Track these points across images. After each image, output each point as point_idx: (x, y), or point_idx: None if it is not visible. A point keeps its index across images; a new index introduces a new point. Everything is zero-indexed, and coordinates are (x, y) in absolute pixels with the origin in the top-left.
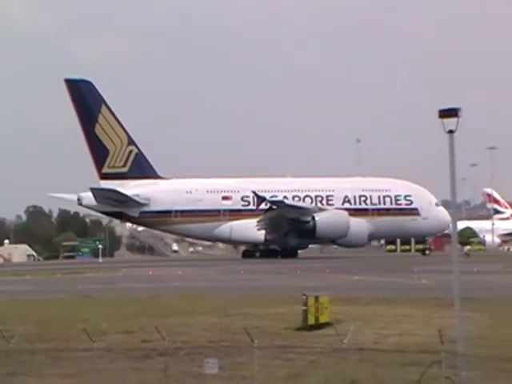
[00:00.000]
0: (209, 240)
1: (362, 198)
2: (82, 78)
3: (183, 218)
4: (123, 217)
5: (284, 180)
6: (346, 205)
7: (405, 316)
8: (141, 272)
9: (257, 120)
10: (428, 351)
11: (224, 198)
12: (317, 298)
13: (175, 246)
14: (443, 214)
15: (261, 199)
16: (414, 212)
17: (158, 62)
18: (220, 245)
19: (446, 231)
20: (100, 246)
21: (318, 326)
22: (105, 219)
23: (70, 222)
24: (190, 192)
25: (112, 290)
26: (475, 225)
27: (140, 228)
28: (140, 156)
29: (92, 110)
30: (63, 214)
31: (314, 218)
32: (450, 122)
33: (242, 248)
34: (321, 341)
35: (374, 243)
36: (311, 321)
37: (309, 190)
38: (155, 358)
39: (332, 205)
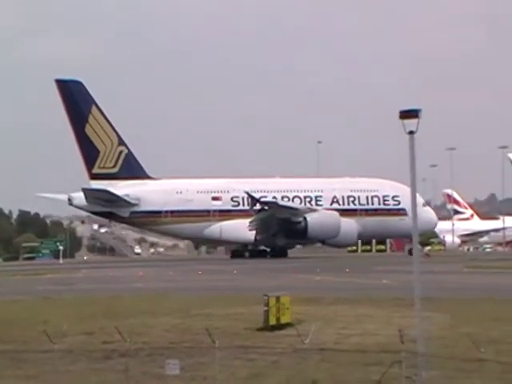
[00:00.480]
0: (198, 240)
1: (351, 199)
2: (72, 78)
3: (173, 219)
4: (113, 217)
5: (273, 180)
6: (335, 205)
7: (366, 316)
8: (101, 273)
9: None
10: (389, 351)
11: (214, 198)
12: (278, 299)
13: (138, 249)
14: (430, 214)
15: (254, 200)
16: (401, 212)
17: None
18: (181, 245)
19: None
20: (61, 248)
21: (280, 326)
22: (65, 220)
23: (30, 222)
24: (181, 192)
25: (72, 292)
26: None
27: (103, 229)
28: (130, 156)
29: (82, 110)
30: (23, 214)
31: (305, 218)
32: (411, 123)
33: (231, 248)
34: (282, 341)
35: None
36: (272, 321)
37: (298, 191)
38: (116, 359)
39: (321, 205)
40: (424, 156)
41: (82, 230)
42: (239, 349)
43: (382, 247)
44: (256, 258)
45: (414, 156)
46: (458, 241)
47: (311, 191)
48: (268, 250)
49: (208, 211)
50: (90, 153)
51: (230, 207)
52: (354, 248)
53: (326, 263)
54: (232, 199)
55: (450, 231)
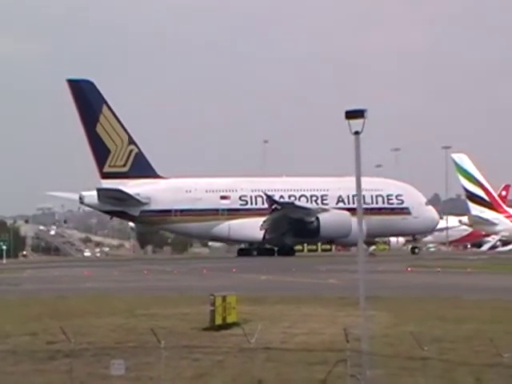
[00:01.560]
0: (207, 239)
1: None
2: (83, 78)
3: (183, 217)
4: (124, 216)
5: (280, 179)
6: (340, 204)
7: (312, 315)
8: (46, 273)
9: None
10: (334, 350)
11: (222, 197)
12: (224, 298)
13: (87, 252)
14: (432, 213)
15: (272, 200)
16: (405, 211)
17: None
18: (127, 245)
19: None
20: (4, 247)
21: (226, 325)
22: (9, 219)
23: None
24: (190, 191)
25: (16, 292)
26: None
27: (53, 232)
28: (140, 155)
29: (94, 109)
30: None
31: (317, 218)
32: (356, 123)
33: (238, 246)
34: (228, 341)
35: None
36: (218, 321)
37: (304, 190)
38: (60, 359)
39: (327, 204)
40: (369, 156)
41: (25, 230)
42: (185, 349)
43: (328, 247)
44: (264, 256)
45: (359, 156)
46: (402, 240)
47: (317, 190)
48: (275, 248)
49: (217, 210)
50: (100, 152)
51: (238, 206)
52: (301, 247)
53: (273, 263)
54: (240, 198)
55: None
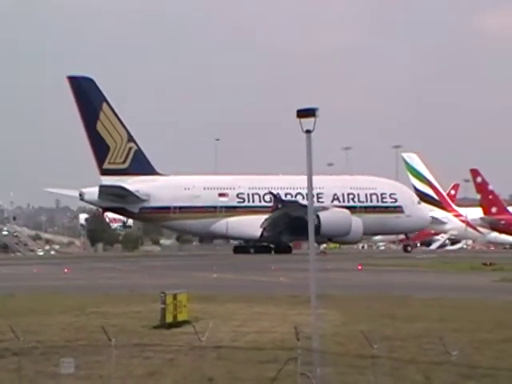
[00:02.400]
0: (205, 236)
1: (350, 196)
2: (83, 75)
3: (182, 214)
4: (123, 212)
5: (277, 178)
6: (335, 202)
7: (262, 313)
8: None
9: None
10: (284, 348)
11: (220, 194)
12: (175, 296)
13: (40, 252)
14: (425, 211)
15: (278, 199)
16: (398, 209)
17: None
18: (77, 243)
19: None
20: None
21: (177, 324)
22: None
23: None
24: (188, 189)
25: None
26: None
27: (5, 232)
28: (139, 153)
29: (94, 106)
30: None
31: (318, 216)
32: (308, 122)
33: (235, 243)
34: (179, 339)
35: (234, 242)
36: (169, 319)
37: (300, 188)
38: (9, 357)
39: (322, 202)
40: (320, 154)
41: None
42: (136, 347)
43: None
44: (261, 254)
45: (310, 154)
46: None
47: (313, 188)
48: (272, 246)
49: (215, 207)
50: (100, 149)
51: (235, 203)
52: None
53: (224, 261)
54: (238, 196)
55: None
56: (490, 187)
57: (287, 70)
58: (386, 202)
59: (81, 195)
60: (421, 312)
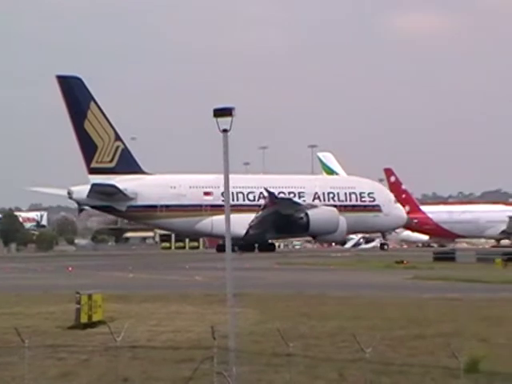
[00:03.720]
0: (191, 235)
1: (331, 195)
2: (72, 74)
3: (168, 213)
4: (111, 211)
5: (259, 177)
6: (316, 201)
7: (178, 313)
8: None
9: None
10: (201, 347)
11: (206, 193)
12: (90, 296)
13: None
14: (401, 211)
15: (272, 195)
16: (376, 208)
17: None
18: None
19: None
20: None
21: (91, 324)
22: None
23: None
24: (174, 187)
25: None
26: None
27: None
28: (126, 152)
29: (81, 106)
30: None
31: (307, 214)
32: (224, 121)
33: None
34: (94, 339)
35: (150, 241)
36: (84, 319)
37: (282, 187)
38: None
39: (304, 201)
40: (237, 154)
41: None
42: (49, 348)
43: (195, 244)
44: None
45: (227, 153)
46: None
47: (294, 187)
48: (255, 245)
49: (200, 206)
50: (88, 148)
51: (220, 202)
52: (168, 245)
53: (140, 260)
54: (222, 194)
55: None
56: (404, 186)
57: (205, 69)
58: (364, 201)
59: (69, 193)
60: (335, 310)
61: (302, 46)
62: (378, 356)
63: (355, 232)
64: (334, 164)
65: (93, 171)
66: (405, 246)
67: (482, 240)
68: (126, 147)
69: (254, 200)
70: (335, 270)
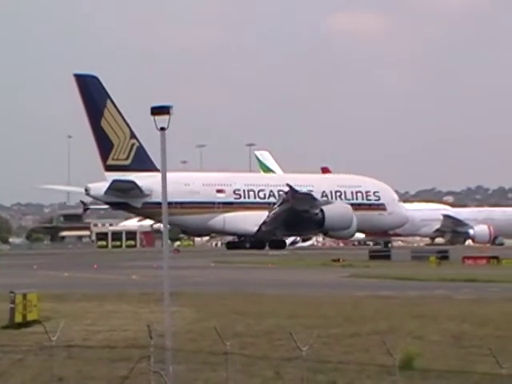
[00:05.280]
0: (204, 231)
1: (338, 193)
2: (89, 73)
3: (182, 210)
4: (126, 207)
5: (270, 176)
6: (323, 199)
7: (114, 312)
8: None
9: None
10: (137, 346)
11: (218, 190)
12: (25, 296)
13: None
14: (403, 209)
15: (293, 190)
16: (381, 207)
17: None
18: None
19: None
20: None
21: (26, 323)
22: None
23: None
24: (188, 185)
25: None
26: None
27: None
28: (141, 149)
29: (98, 104)
30: None
31: (322, 210)
32: (162, 120)
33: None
34: (28, 339)
35: (86, 239)
36: (18, 319)
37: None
38: None
39: None
40: (175, 152)
41: None
42: None
43: (132, 242)
44: (256, 249)
45: (164, 151)
46: (206, 237)
47: (303, 186)
48: (265, 242)
49: (213, 203)
50: (104, 145)
51: (232, 199)
52: (104, 243)
53: (76, 259)
54: (234, 192)
55: None
56: None
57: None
58: (370, 200)
59: (86, 190)
60: (272, 308)
61: (239, 45)
62: (315, 354)
63: (361, 230)
64: (270, 162)
65: (109, 168)
66: (341, 244)
67: (417, 238)
68: (141, 145)
69: (265, 198)
70: (272, 269)
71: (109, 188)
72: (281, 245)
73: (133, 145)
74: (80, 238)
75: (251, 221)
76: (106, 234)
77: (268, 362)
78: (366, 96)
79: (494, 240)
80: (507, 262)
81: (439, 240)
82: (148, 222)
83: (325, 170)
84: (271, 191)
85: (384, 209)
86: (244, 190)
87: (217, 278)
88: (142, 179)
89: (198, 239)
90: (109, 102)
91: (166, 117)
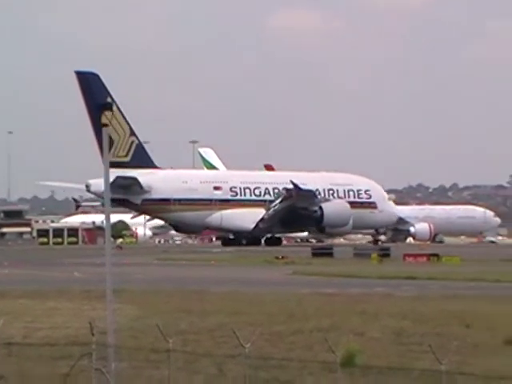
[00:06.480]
0: (201, 228)
1: (330, 192)
2: (89, 70)
3: (180, 206)
4: (126, 204)
5: (264, 173)
6: (322, 197)
7: (56, 309)
8: None
9: None
10: (79, 344)
11: (215, 188)
12: None
13: None
14: (393, 208)
15: (296, 187)
16: (372, 205)
17: None
18: None
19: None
20: None
21: None
22: None
23: None
24: (186, 182)
25: None
26: (128, 218)
27: None
28: (140, 147)
29: (98, 101)
30: None
31: (321, 207)
32: (105, 116)
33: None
34: None
35: (27, 236)
36: None
37: (285, 183)
38: None
39: None
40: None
41: None
42: None
43: (74, 239)
44: (252, 246)
45: (107, 148)
46: (149, 233)
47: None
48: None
49: (210, 200)
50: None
51: (229, 197)
52: (45, 240)
53: (17, 255)
54: (231, 189)
55: (142, 224)
56: None
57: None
58: (361, 198)
59: (87, 186)
60: (215, 306)
61: (186, 45)
62: (257, 351)
63: (355, 228)
64: (214, 160)
65: (109, 165)
66: (284, 242)
67: (359, 236)
68: (140, 142)
69: (261, 195)
70: (216, 266)
71: (111, 184)
72: (277, 242)
73: (132, 142)
74: (21, 234)
75: (248, 218)
76: (47, 230)
77: (211, 360)
78: (307, 92)
79: (434, 238)
80: (447, 259)
81: (381, 238)
82: (147, 219)
83: (268, 168)
84: (266, 189)
85: (375, 207)
86: (240, 188)
87: (160, 275)
88: (142, 176)
89: (141, 236)
90: (109, 99)
91: (109, 113)
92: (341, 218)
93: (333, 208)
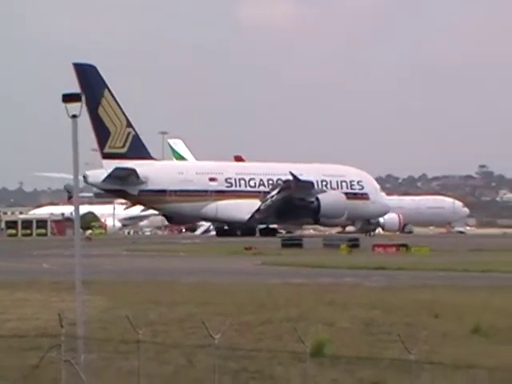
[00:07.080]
0: (197, 219)
1: (324, 183)
2: (87, 62)
3: (176, 197)
4: (123, 195)
5: (259, 165)
6: (319, 188)
7: (24, 300)
8: None
9: None
10: (48, 335)
11: (211, 179)
12: None
13: None
14: (385, 199)
15: (296, 178)
16: (364, 196)
17: None
18: None
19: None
20: None
21: None
22: None
23: None
24: (182, 173)
25: None
26: (97, 210)
27: None
28: (136, 138)
29: (96, 92)
30: None
31: (317, 198)
32: (73, 107)
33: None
34: None
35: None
36: None
37: (280, 174)
38: None
39: None
40: (86, 140)
41: None
42: None
43: (43, 231)
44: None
45: (76, 140)
46: (119, 224)
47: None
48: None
49: (206, 191)
50: (102, 133)
51: (224, 188)
52: (14, 232)
53: None
54: (226, 180)
55: (111, 215)
56: None
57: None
58: (354, 189)
59: (84, 177)
60: (184, 296)
61: (153, 34)
62: (227, 341)
63: (348, 219)
64: (184, 151)
65: (106, 156)
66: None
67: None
68: (136, 133)
69: (255, 186)
70: (185, 257)
71: (109, 175)
72: (272, 233)
73: (129, 133)
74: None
75: (243, 209)
76: (15, 222)
77: (180, 350)
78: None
79: (403, 228)
80: (416, 249)
81: (350, 228)
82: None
83: (237, 159)
84: (261, 180)
85: (367, 198)
86: (235, 179)
87: (129, 266)
88: (139, 167)
89: (110, 227)
90: (106, 91)
91: (78, 104)
92: (337, 209)
93: (329, 199)
